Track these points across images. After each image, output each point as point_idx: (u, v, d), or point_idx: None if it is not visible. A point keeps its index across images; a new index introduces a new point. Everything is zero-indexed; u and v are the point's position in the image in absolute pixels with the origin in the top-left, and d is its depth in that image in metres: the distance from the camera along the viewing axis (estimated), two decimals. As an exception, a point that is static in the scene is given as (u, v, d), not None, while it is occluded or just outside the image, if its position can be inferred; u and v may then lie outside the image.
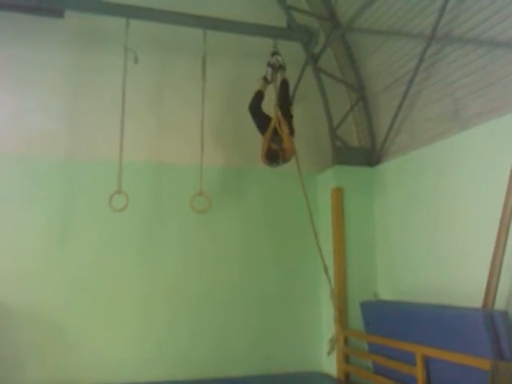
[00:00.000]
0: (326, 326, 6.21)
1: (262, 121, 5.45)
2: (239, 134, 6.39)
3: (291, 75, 5.89)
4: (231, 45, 6.40)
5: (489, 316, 3.77)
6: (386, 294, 5.90)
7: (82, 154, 5.94)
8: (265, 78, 5.57)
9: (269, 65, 5.56)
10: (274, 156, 5.21)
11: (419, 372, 4.38)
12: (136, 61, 5.27)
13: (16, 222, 5.61)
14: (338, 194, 6.16)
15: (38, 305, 5.51)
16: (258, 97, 5.56)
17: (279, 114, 5.31)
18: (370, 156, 6.48)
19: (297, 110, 5.85)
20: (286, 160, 5.30)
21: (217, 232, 6.23)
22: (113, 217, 5.17)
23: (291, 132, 5.37)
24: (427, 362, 4.35)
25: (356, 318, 5.71)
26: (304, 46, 6.30)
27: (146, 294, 5.86)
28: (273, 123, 5.29)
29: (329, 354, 5.65)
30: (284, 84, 5.58)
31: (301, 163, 5.45)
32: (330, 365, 6.05)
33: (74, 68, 6.06)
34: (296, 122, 5.60)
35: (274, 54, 5.59)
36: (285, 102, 5.50)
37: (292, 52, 6.14)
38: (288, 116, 5.43)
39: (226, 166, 6.38)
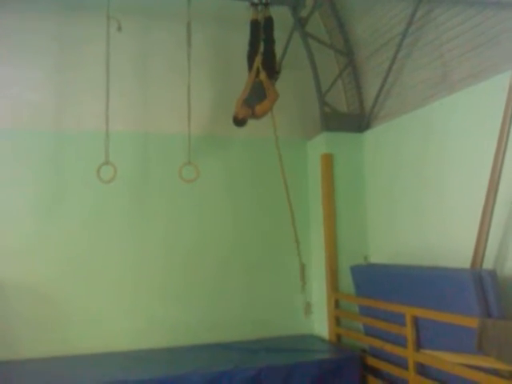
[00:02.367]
0: (317, 289, 6.30)
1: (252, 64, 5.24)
2: (226, 102, 6.30)
3: (278, 41, 5.72)
4: (217, 9, 6.25)
5: (477, 275, 3.83)
6: (376, 258, 5.98)
7: (68, 126, 5.82)
8: (253, 4, 5.34)
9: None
10: (242, 122, 5.20)
11: (409, 332, 4.48)
12: (119, 29, 5.14)
13: (4, 197, 5.55)
14: (328, 160, 6.16)
15: (30, 278, 5.48)
16: (255, 25, 5.26)
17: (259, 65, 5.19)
18: (359, 121, 6.45)
19: (285, 77, 5.77)
20: (258, 116, 5.24)
21: (205, 200, 6.22)
22: (101, 188, 5.12)
23: (273, 73, 5.24)
24: (416, 322, 4.45)
25: (347, 282, 5.78)
26: (291, 9, 6.17)
27: (137, 264, 5.88)
28: (254, 71, 5.17)
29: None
30: (268, 21, 5.37)
31: (290, 130, 5.35)
32: (321, 327, 6.17)
33: (56, 39, 5.89)
34: (284, 89, 5.56)
35: None
36: (269, 43, 5.33)
37: (279, 17, 5.97)
38: (271, 60, 5.27)
39: (213, 134, 6.31)
